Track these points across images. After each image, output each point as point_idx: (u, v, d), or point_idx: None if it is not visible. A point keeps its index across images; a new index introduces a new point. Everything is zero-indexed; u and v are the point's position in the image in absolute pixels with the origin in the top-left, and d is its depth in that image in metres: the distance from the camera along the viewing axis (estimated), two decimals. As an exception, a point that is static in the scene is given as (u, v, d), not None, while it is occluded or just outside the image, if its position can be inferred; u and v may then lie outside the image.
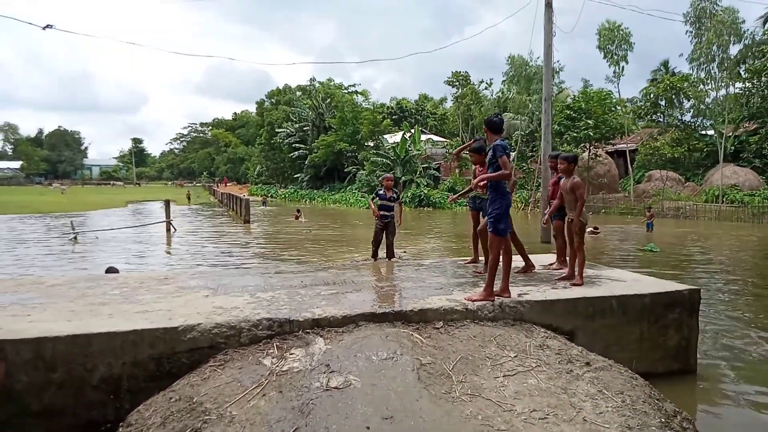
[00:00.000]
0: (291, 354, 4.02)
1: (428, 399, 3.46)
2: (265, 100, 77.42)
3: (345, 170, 48.04)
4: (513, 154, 33.53)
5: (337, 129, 48.87)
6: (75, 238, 18.05)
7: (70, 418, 3.85)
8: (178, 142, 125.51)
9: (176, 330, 4.06)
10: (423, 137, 44.29)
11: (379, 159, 40.76)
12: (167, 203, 22.03)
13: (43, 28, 8.94)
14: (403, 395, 3.48)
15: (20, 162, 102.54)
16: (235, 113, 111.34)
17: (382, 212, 7.26)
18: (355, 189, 43.97)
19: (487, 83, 44.48)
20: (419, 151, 40.82)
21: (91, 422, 3.86)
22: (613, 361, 4.25)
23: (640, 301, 5.19)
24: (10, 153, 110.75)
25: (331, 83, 63.70)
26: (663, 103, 31.88)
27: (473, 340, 4.35)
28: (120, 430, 3.54)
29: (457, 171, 39.17)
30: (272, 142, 60.83)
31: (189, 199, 44.93)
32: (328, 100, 55.81)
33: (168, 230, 20.38)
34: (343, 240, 18.27)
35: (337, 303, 4.84)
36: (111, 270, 8.18)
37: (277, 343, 4.16)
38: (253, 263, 13.15)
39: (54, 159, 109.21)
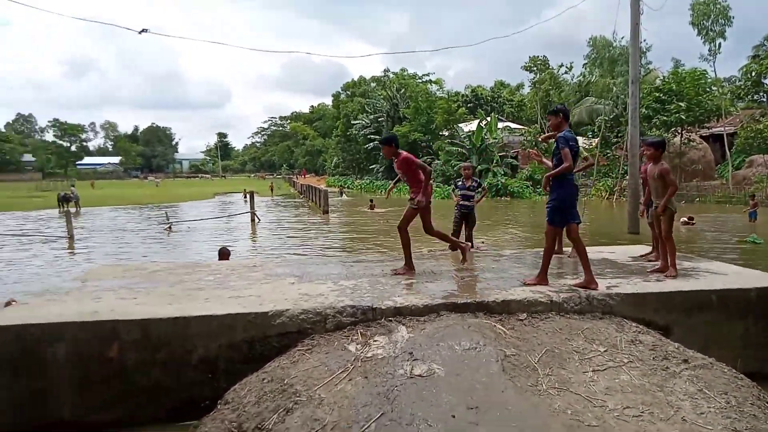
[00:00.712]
0: (375, 341, 4.09)
1: (514, 391, 3.41)
2: (341, 92, 78.71)
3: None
4: (593, 139, 32.00)
5: (411, 119, 48.80)
6: (169, 227, 19.31)
7: (174, 394, 4.15)
8: (260, 135, 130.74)
9: (267, 315, 4.25)
10: (500, 125, 43.26)
11: (454, 148, 40.31)
12: (251, 194, 23.03)
13: (139, 33, 9.64)
14: (488, 386, 3.45)
15: (119, 157, 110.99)
16: (312, 106, 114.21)
17: (462, 202, 7.20)
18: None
19: (567, 67, 42.65)
20: (496, 139, 39.93)
21: (192, 399, 4.14)
22: (714, 360, 3.99)
23: (744, 295, 4.81)
24: (110, 149, 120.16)
25: (405, 73, 63.59)
26: (766, 81, 29.12)
27: (559, 332, 4.23)
28: (218, 406, 3.78)
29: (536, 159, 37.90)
30: (348, 133, 61.82)
31: (272, 190, 46.66)
32: (402, 90, 55.80)
33: (252, 220, 21.32)
34: (418, 230, 18.27)
35: (417, 292, 4.87)
36: (223, 251, 8.96)
37: (361, 330, 4.25)
38: (333, 252, 13.48)
39: (148, 154, 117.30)
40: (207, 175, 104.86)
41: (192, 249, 14.85)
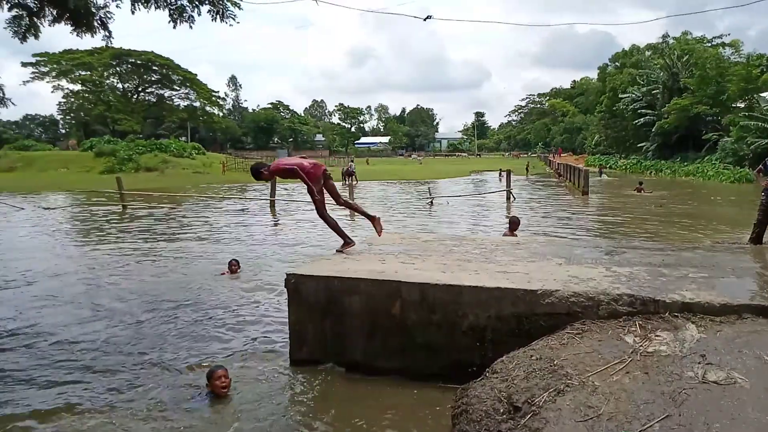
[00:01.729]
0: (656, 336, 3.73)
1: None
2: (608, 64, 72.21)
3: (702, 137, 41.23)
4: None
5: (694, 90, 42.11)
6: (431, 202, 20.73)
7: (445, 355, 4.49)
8: (516, 114, 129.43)
9: (536, 293, 4.24)
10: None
11: (751, 123, 33.45)
12: (508, 173, 23.09)
13: (424, 19, 10.31)
14: (815, 411, 2.83)
15: (388, 137, 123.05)
16: (574, 81, 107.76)
17: (773, 186, 5.97)
18: (716, 159, 37.36)
19: None
20: (815, 110, 31.79)
21: (460, 363, 4.41)
22: None
23: None
24: (381, 130, 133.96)
25: (689, 37, 54.92)
26: None
27: None
28: (486, 374, 3.95)
29: None
30: (614, 109, 56.63)
31: (527, 170, 46.02)
32: (685, 57, 48.40)
33: (508, 198, 21.42)
34: (700, 218, 15.87)
35: (711, 288, 4.24)
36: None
37: (640, 322, 3.92)
38: (596, 236, 12.68)
39: (412, 134, 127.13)
40: (464, 154, 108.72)
41: (451, 222, 15.68)
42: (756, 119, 33.56)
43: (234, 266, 8.80)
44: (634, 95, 52.89)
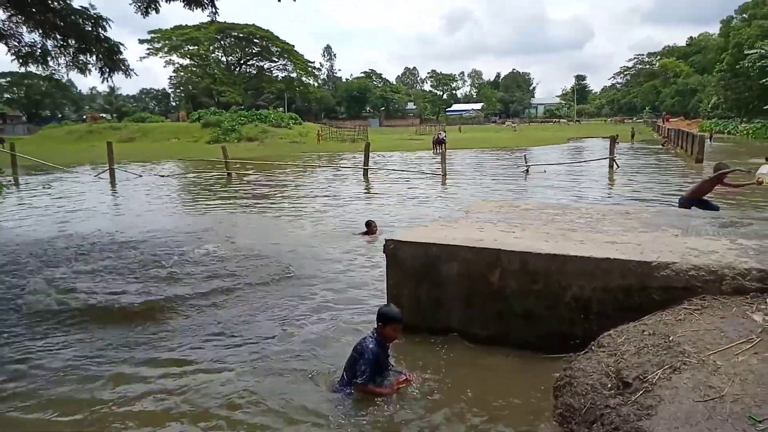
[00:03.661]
0: (792, 316, 3.36)
1: None
2: (734, 16, 64.73)
3: None
4: None
5: (840, 42, 36.75)
6: (527, 170, 20.02)
7: (545, 325, 4.36)
8: (621, 76, 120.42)
9: (649, 265, 3.97)
10: None
11: None
12: (612, 139, 21.68)
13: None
14: None
15: (481, 104, 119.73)
16: (691, 38, 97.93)
17: None
18: None
19: None
20: None
21: (562, 334, 4.27)
22: None
23: None
24: (474, 96, 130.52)
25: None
26: None
27: None
28: (592, 347, 3.79)
29: None
30: (737, 67, 50.83)
31: (632, 136, 42.95)
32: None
33: (611, 166, 20.17)
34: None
35: None
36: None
37: (772, 300, 3.55)
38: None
39: (507, 100, 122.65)
40: (562, 120, 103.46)
41: (549, 191, 15.06)
42: None
43: (373, 227, 9.03)
44: (763, 51, 47.07)
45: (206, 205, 13.91)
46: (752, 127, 45.76)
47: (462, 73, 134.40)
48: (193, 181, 20.35)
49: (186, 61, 73.21)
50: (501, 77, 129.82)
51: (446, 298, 4.75)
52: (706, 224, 5.28)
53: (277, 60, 78.18)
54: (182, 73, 76.00)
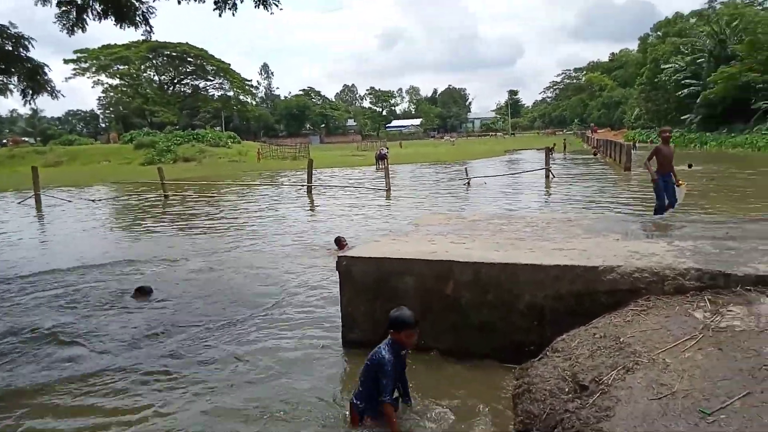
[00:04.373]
0: (729, 311, 3.56)
1: None
2: (650, 34, 69.59)
3: (752, 107, 39.31)
4: None
5: (743, 56, 40.10)
6: (468, 183, 20.48)
7: (500, 335, 4.41)
8: (551, 90, 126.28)
9: (596, 270, 4.11)
10: None
11: (807, 89, 31.73)
12: (548, 150, 22.60)
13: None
14: None
15: (420, 119, 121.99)
16: (613, 53, 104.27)
17: None
18: (766, 129, 35.64)
19: None
20: None
21: (517, 343, 4.33)
22: None
23: None
24: (413, 112, 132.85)
25: (737, 1, 52.20)
26: None
27: None
28: (547, 353, 3.86)
29: None
30: (655, 80, 54.52)
31: (565, 147, 44.95)
32: (735, 22, 46.03)
33: (547, 176, 20.97)
34: (756, 191, 15.20)
35: (787, 260, 4.02)
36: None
37: (709, 297, 3.75)
38: (648, 212, 12.27)
39: (445, 115, 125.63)
40: (499, 133, 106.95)
41: (490, 203, 15.45)
42: (811, 85, 31.78)
43: (343, 242, 8.90)
44: (677, 65, 50.76)
45: (143, 228, 13.31)
46: (671, 136, 48.92)
47: (400, 89, 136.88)
48: (128, 205, 19.46)
49: (116, 81, 70.51)
50: (438, 93, 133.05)
51: (402, 312, 4.71)
52: (643, 228, 5.54)
53: (212, 78, 76.73)
54: (112, 94, 73.14)
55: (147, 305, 6.51)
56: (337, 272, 4.99)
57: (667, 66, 52.15)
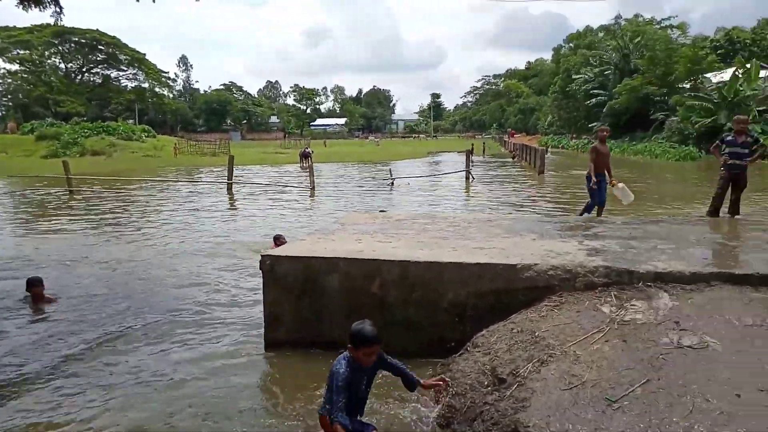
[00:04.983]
0: (632, 305, 3.86)
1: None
2: (563, 45, 73.81)
3: (651, 117, 42.76)
4: None
5: (644, 71, 43.51)
6: (392, 183, 20.73)
7: (425, 332, 4.51)
8: (471, 95, 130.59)
9: (515, 267, 4.30)
10: (762, 73, 35.93)
11: (696, 102, 34.89)
12: (468, 153, 23.32)
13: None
14: (783, 370, 3.00)
15: (345, 119, 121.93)
16: (529, 62, 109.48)
17: (732, 161, 6.23)
18: (662, 138, 38.85)
19: None
20: (755, 90, 33.36)
21: (441, 339, 4.45)
22: None
23: None
24: (338, 111, 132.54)
25: (640, 19, 56.55)
26: None
27: None
28: (468, 348, 4.00)
29: None
30: (567, 90, 57.89)
31: (483, 151, 46.59)
32: (637, 39, 49.81)
33: (467, 178, 21.66)
34: (654, 194, 16.51)
35: (680, 258, 4.42)
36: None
37: (615, 293, 4.04)
38: (561, 213, 12.98)
39: (369, 115, 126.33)
40: (422, 135, 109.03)
41: (413, 203, 15.73)
42: (701, 99, 35.02)
43: (282, 241, 8.58)
44: (586, 76, 54.15)
45: (43, 228, 12.30)
46: (581, 143, 52.18)
47: (325, 88, 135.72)
48: (27, 201, 17.94)
49: (15, 67, 64.70)
50: (363, 93, 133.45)
51: (329, 311, 4.71)
52: (557, 228, 5.87)
53: (126, 69, 72.36)
54: (10, 80, 67.03)
55: (50, 309, 6.04)
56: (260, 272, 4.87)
57: (577, 76, 55.53)
